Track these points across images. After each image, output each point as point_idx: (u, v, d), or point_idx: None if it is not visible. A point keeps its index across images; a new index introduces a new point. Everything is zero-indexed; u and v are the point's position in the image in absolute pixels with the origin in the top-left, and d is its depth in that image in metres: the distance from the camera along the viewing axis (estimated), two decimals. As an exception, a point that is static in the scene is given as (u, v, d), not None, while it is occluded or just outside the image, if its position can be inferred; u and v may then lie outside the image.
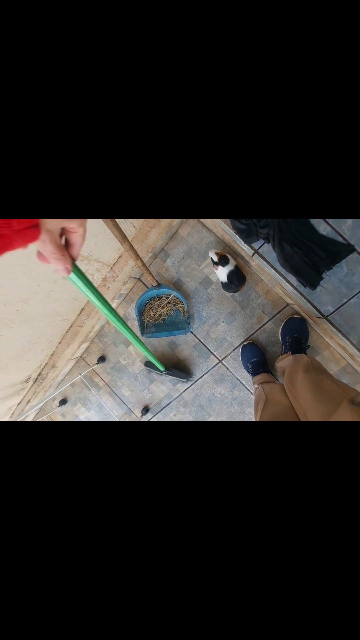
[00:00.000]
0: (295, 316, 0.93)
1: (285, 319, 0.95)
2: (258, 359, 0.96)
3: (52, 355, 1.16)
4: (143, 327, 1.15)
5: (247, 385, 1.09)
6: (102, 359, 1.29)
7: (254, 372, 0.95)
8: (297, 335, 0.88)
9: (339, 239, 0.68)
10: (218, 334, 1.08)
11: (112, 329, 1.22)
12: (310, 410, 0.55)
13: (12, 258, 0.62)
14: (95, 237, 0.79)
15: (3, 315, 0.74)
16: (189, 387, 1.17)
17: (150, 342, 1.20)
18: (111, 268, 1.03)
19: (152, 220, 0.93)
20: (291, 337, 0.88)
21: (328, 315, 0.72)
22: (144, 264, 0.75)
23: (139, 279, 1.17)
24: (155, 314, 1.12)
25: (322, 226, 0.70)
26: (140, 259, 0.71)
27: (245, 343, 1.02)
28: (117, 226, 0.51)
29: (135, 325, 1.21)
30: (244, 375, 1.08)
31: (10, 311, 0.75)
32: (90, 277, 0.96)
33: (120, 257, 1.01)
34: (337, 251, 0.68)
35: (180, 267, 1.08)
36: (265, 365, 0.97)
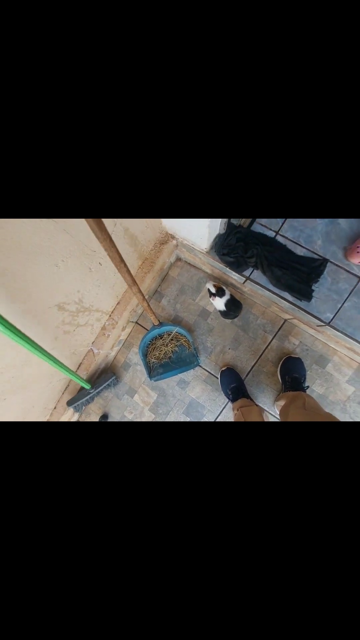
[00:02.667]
0: (292, 356, 0.97)
1: (283, 358, 0.98)
2: (237, 384, 0.96)
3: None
4: (150, 370, 1.08)
5: (270, 411, 1.02)
6: (104, 417, 1.14)
7: (233, 398, 0.94)
8: (296, 375, 0.91)
9: (315, 256, 0.80)
10: (227, 361, 1.07)
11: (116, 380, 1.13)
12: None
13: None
14: (97, 288, 0.81)
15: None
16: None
17: (158, 385, 1.12)
18: (110, 315, 1.02)
19: (146, 266, 1.00)
20: (290, 376, 0.91)
21: (330, 322, 0.77)
22: (149, 305, 0.77)
23: (137, 322, 1.17)
24: (160, 354, 1.09)
25: (298, 249, 0.82)
26: (146, 300, 0.73)
27: (223, 369, 1.02)
28: (128, 271, 0.54)
29: (137, 371, 1.14)
30: (264, 400, 1.03)
31: (3, 380, 0.66)
32: (90, 328, 0.94)
33: (118, 303, 1.02)
34: (317, 266, 0.78)
35: (177, 304, 1.12)
36: (244, 390, 0.96)
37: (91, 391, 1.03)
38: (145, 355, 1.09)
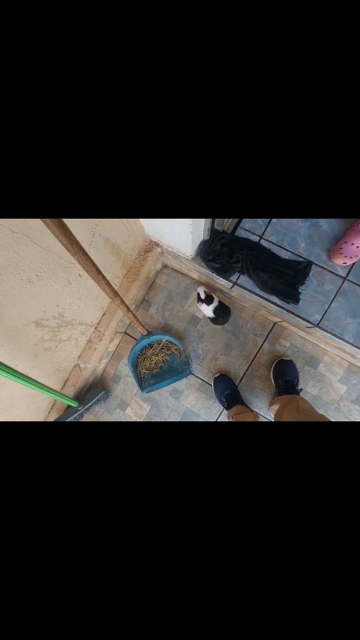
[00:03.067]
0: (284, 358, 0.97)
1: (275, 361, 0.97)
2: (231, 391, 0.95)
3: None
4: (141, 382, 1.04)
5: (265, 416, 1.00)
6: (96, 435, 1.09)
7: (228, 405, 0.93)
8: (289, 377, 0.91)
9: (300, 258, 0.80)
10: (220, 367, 1.04)
11: (109, 394, 1.08)
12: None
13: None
14: (79, 300, 0.77)
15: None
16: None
17: (150, 396, 1.08)
18: (95, 328, 0.98)
19: (131, 275, 0.97)
20: (283, 379, 0.90)
21: (318, 323, 0.77)
22: (134, 316, 0.74)
23: (125, 332, 1.13)
24: (150, 364, 1.05)
25: (282, 252, 0.81)
26: (131, 311, 0.70)
27: (216, 375, 1.01)
28: (108, 284, 0.51)
29: (128, 383, 1.10)
30: (259, 405, 1.01)
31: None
32: (74, 342, 0.89)
33: (104, 315, 0.98)
34: (302, 268, 0.78)
35: (165, 312, 1.10)
36: (239, 396, 0.95)
37: (79, 408, 0.98)
38: (135, 366, 1.05)
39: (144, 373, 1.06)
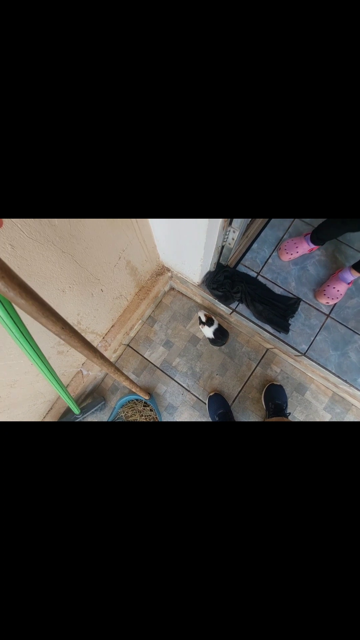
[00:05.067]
0: (275, 383, 1.05)
1: (267, 385, 1.05)
2: (224, 410, 0.99)
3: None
4: (114, 417, 1.06)
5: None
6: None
7: None
8: (278, 401, 0.98)
9: (290, 295, 0.93)
10: (215, 386, 1.10)
11: (112, 389, 1.10)
12: None
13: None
14: (96, 311, 0.86)
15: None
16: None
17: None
18: (103, 337, 1.05)
19: (142, 294, 1.08)
20: (273, 403, 0.97)
21: (305, 352, 0.87)
22: (132, 382, 0.75)
23: (129, 345, 1.20)
24: (130, 415, 1.08)
25: (276, 288, 0.95)
26: (129, 379, 0.72)
27: (211, 394, 1.06)
28: (86, 345, 0.46)
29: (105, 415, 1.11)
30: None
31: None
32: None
33: (113, 326, 1.06)
34: (292, 304, 0.91)
35: (168, 330, 1.19)
36: (231, 416, 1.00)
37: (78, 416, 0.99)
38: (121, 405, 1.07)
39: (120, 417, 1.08)
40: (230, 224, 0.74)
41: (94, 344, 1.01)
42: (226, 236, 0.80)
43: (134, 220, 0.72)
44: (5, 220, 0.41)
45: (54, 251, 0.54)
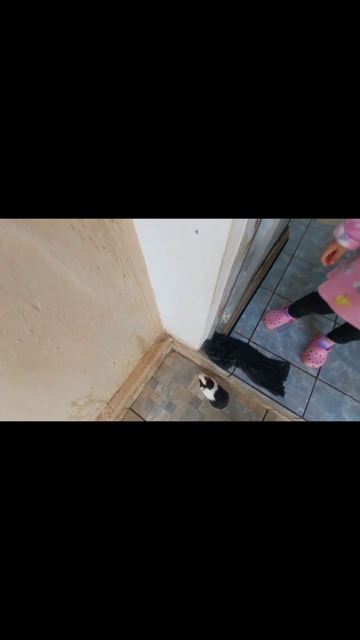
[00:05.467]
0: None
1: None
2: None
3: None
4: None
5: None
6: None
7: None
8: None
9: (279, 359, 1.05)
10: (220, 454, 1.07)
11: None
12: None
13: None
14: (107, 383, 0.92)
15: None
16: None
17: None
18: (108, 404, 1.07)
19: (147, 359, 1.17)
20: None
21: (303, 415, 0.92)
22: None
23: (131, 408, 1.21)
24: None
25: (266, 353, 1.07)
26: None
27: None
28: None
29: None
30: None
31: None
32: (89, 417, 0.97)
33: (117, 391, 1.10)
34: (282, 367, 1.02)
35: (170, 391, 1.23)
36: None
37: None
38: None
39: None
40: (223, 309, 0.92)
41: (99, 411, 1.03)
42: (221, 317, 0.98)
43: (144, 301, 0.89)
44: (50, 326, 0.53)
45: (85, 343, 0.66)
